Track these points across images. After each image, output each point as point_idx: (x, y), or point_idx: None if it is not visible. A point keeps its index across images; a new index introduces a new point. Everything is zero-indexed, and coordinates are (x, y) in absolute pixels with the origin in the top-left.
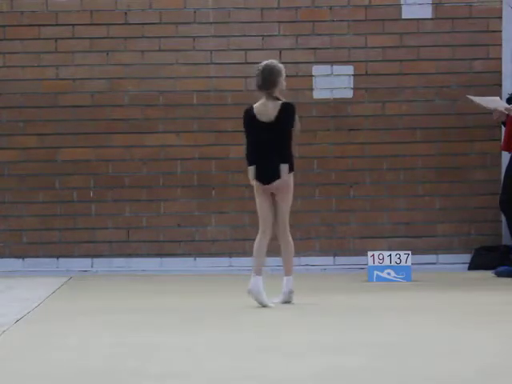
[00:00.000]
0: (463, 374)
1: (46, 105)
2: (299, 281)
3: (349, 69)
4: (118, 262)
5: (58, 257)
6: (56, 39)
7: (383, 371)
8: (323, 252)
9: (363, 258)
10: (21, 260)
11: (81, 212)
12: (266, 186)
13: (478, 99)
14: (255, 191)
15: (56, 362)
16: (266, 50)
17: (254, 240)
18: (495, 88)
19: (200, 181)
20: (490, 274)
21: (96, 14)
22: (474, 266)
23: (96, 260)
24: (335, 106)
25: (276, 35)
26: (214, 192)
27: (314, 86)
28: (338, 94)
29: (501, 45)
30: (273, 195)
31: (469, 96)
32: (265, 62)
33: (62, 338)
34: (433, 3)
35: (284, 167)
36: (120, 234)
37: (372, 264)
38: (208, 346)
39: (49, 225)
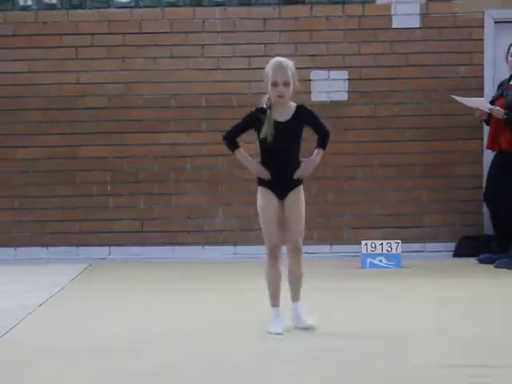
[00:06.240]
0: (450, 354)
1: (67, 107)
2: None
3: (344, 74)
4: (133, 250)
5: (78, 245)
6: (76, 47)
7: (370, 350)
8: (320, 241)
9: (357, 246)
10: (45, 248)
11: (99, 205)
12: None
13: (462, 99)
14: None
15: (77, 341)
16: (268, 56)
17: (258, 230)
18: (478, 91)
19: (208, 176)
20: (472, 260)
21: (113, 23)
22: (458, 253)
23: (113, 248)
24: (331, 107)
25: (277, 43)
26: (221, 186)
27: (312, 90)
28: (334, 97)
29: (483, 52)
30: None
31: (453, 96)
32: None
33: (81, 320)
34: (420, 14)
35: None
36: (135, 224)
37: (365, 252)
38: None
39: (70, 216)
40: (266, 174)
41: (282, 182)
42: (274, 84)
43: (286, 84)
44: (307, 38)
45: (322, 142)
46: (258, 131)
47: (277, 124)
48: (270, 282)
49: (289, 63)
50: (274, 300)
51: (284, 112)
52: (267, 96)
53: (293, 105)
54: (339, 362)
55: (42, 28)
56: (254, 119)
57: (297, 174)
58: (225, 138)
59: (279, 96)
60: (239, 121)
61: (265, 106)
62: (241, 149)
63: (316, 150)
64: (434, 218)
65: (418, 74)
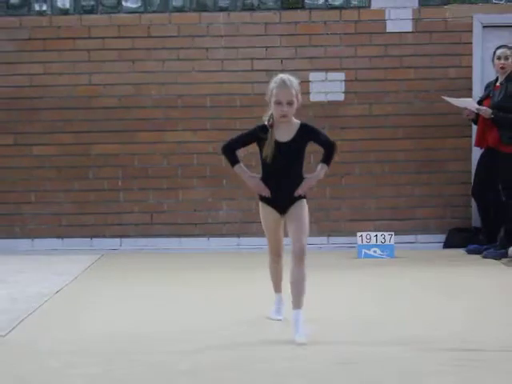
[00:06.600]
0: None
1: (80, 107)
2: None
3: (341, 75)
4: (143, 242)
5: (91, 237)
6: (89, 50)
7: (366, 336)
8: (319, 233)
9: (353, 238)
10: (60, 240)
11: (111, 199)
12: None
13: (451, 100)
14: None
15: (89, 326)
16: (270, 59)
17: (259, 223)
18: (466, 92)
19: (213, 172)
20: (461, 251)
21: (123, 28)
22: (447, 244)
23: (124, 240)
24: (329, 107)
25: (278, 46)
26: (224, 181)
27: (310, 90)
28: (331, 97)
29: (471, 55)
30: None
31: (443, 97)
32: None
33: (93, 307)
34: (413, 18)
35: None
36: (144, 217)
37: (361, 243)
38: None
39: (83, 210)
40: (266, 192)
41: (282, 200)
42: (278, 103)
43: (290, 103)
44: (306, 42)
45: (327, 157)
46: (260, 148)
47: (278, 144)
48: (272, 273)
49: (293, 81)
50: (276, 286)
51: (287, 131)
52: (270, 112)
53: (296, 122)
54: (339, 352)
55: (56, 32)
56: (255, 136)
57: (298, 192)
58: (224, 151)
59: (283, 116)
60: (239, 135)
61: (267, 124)
62: (241, 164)
63: (320, 165)
64: (425, 211)
65: (410, 75)
